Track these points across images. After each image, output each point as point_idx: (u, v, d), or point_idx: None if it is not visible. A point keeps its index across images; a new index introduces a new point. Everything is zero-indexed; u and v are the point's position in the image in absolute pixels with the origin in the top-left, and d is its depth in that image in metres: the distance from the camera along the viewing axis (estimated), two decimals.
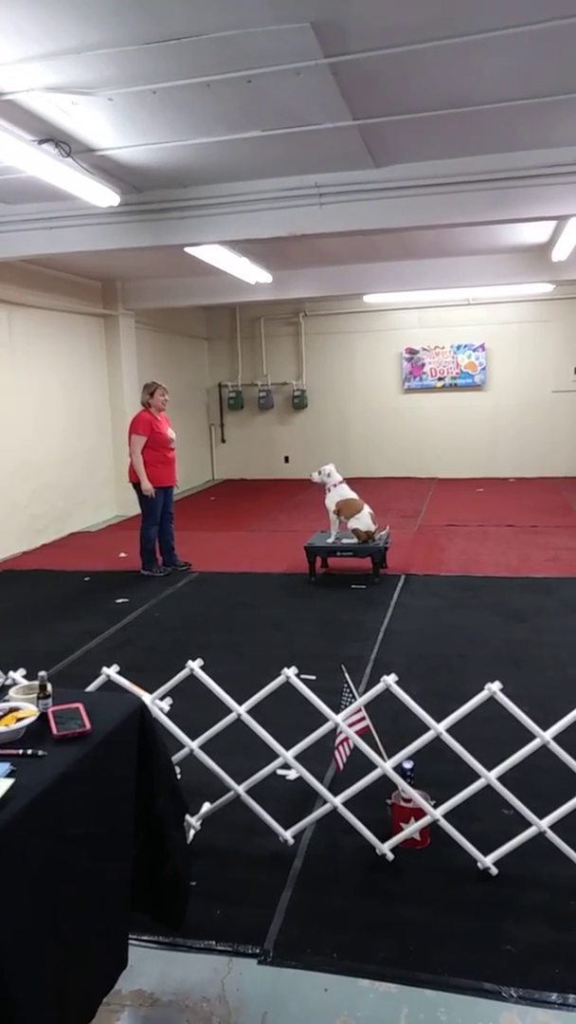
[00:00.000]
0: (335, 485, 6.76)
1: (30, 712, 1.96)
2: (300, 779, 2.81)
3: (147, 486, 6.84)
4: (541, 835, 2.56)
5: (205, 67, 3.62)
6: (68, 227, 5.95)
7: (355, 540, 6.56)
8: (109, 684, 2.72)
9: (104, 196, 5.17)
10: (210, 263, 7.50)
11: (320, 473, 6.86)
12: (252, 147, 4.77)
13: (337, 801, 2.71)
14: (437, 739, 2.59)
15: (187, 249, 6.62)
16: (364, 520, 6.56)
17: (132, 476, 7.01)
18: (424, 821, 2.68)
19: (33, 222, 5.96)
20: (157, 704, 2.73)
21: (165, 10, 3.11)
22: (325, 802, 2.75)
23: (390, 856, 2.70)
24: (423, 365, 12.39)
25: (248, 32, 3.28)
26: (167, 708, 2.80)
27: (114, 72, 3.67)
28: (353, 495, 6.73)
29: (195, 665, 2.74)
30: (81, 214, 5.78)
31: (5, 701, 2.05)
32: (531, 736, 2.54)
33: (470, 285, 9.36)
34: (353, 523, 6.58)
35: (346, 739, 2.73)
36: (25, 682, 2.29)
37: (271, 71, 3.65)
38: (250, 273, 8.35)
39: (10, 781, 1.66)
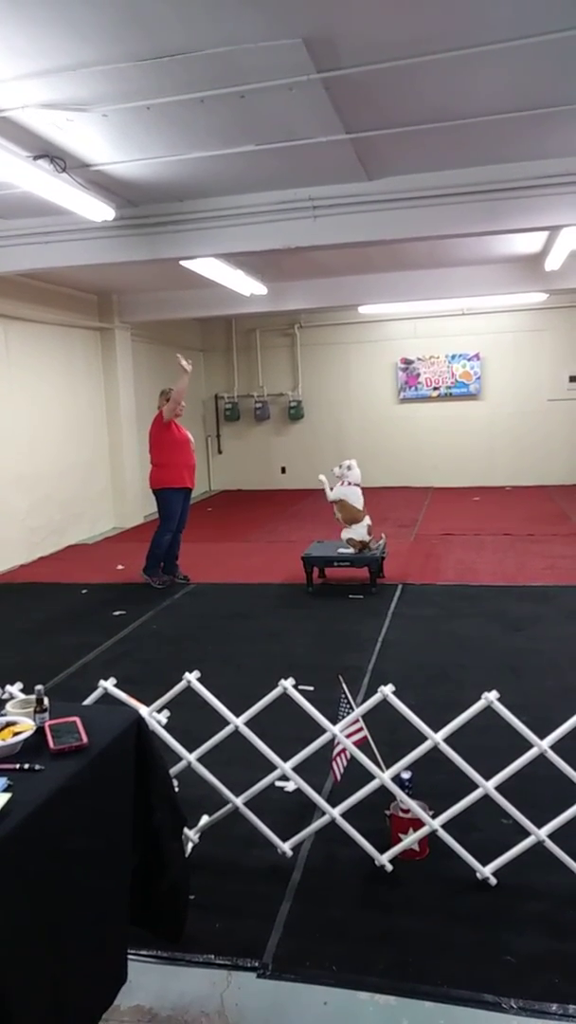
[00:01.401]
0: (349, 483, 6.65)
1: (27, 726, 1.96)
2: (298, 791, 2.81)
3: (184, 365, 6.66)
4: (540, 844, 2.56)
5: (199, 83, 3.66)
6: (64, 241, 5.99)
7: (352, 550, 6.57)
8: (106, 697, 2.71)
9: (99, 211, 5.21)
10: (205, 276, 7.54)
11: (340, 466, 6.73)
12: (246, 161, 4.81)
13: (335, 812, 2.71)
14: (435, 749, 2.59)
15: (182, 262, 6.66)
16: (359, 531, 6.54)
17: (153, 483, 7.00)
18: (423, 832, 2.68)
19: (29, 236, 5.99)
20: (154, 717, 2.73)
21: (158, 27, 3.15)
22: (323, 814, 2.74)
23: (389, 867, 2.70)
24: (418, 375, 12.44)
25: (241, 48, 3.32)
26: (164, 720, 2.80)
27: (108, 88, 3.70)
28: (359, 503, 6.62)
29: (192, 677, 2.74)
30: (77, 228, 5.81)
31: (2, 715, 2.05)
32: (529, 745, 2.54)
33: (464, 295, 9.40)
34: (347, 532, 6.58)
35: (344, 750, 2.73)
36: (22, 696, 2.28)
37: (264, 86, 3.68)
38: (245, 285, 8.39)
39: (7, 796, 1.66)
